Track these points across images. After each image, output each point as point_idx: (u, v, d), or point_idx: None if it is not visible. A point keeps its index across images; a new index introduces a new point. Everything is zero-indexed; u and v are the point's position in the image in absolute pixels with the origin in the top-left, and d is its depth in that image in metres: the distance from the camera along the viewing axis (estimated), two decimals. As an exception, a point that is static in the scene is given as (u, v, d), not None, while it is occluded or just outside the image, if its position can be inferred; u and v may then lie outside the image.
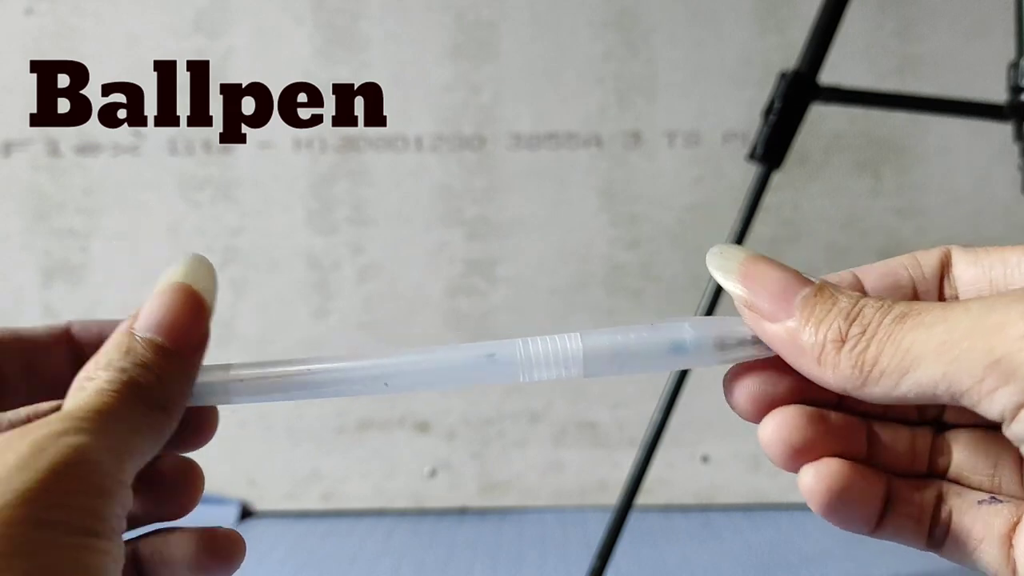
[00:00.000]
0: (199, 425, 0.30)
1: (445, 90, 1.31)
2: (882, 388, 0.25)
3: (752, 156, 0.92)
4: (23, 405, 0.29)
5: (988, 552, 0.27)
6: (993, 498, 0.27)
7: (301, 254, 1.32)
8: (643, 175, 1.31)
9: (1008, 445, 0.26)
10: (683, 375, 0.95)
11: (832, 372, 0.26)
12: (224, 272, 1.32)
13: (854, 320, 0.26)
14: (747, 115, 1.26)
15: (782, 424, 0.28)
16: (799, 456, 0.27)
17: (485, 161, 1.31)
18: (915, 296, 0.29)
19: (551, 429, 1.31)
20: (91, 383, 0.26)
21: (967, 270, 0.29)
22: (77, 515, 0.22)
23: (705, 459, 1.33)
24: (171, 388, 0.27)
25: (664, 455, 1.25)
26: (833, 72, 0.94)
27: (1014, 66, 0.90)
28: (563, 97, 1.30)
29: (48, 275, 1.32)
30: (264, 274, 1.32)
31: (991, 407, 0.24)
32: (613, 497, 1.00)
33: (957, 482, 0.28)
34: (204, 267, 0.29)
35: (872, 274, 0.29)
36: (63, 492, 0.22)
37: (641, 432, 0.99)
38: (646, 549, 1.18)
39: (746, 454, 1.33)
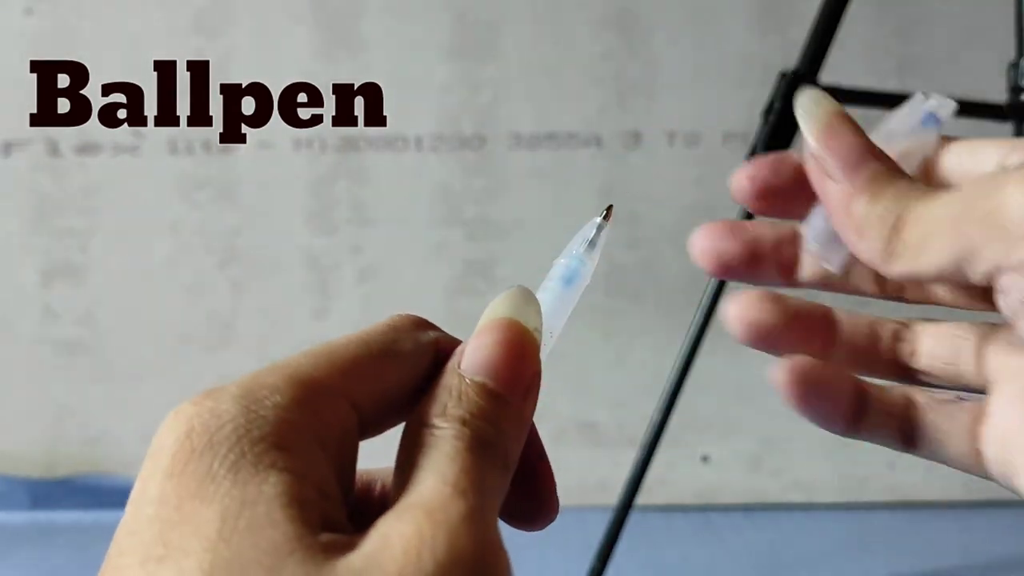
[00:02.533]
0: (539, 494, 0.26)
1: (445, 90, 1.31)
2: (905, 264, 0.26)
3: (752, 156, 0.92)
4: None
5: (957, 447, 0.28)
6: (958, 396, 0.28)
7: (301, 254, 1.32)
8: (643, 175, 1.31)
9: (968, 335, 0.29)
10: (683, 375, 0.95)
11: (866, 245, 0.27)
12: (224, 272, 1.32)
13: (901, 203, 0.27)
14: (747, 115, 1.26)
15: (745, 304, 0.31)
16: (761, 335, 0.30)
17: (485, 161, 1.31)
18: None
19: (551, 429, 1.31)
20: (438, 434, 0.23)
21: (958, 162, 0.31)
22: None
23: (705, 459, 1.33)
24: (510, 441, 0.24)
25: (664, 455, 1.25)
26: (833, 72, 0.94)
27: (1014, 66, 0.90)
28: (563, 97, 1.30)
29: (48, 275, 1.32)
30: (264, 274, 1.32)
31: (979, 267, 0.24)
32: (613, 497, 1.00)
33: (923, 380, 0.30)
34: (531, 301, 0.26)
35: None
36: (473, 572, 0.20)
37: (641, 432, 0.99)
38: (646, 549, 1.18)
39: (746, 454, 1.33)
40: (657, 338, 1.29)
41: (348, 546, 0.20)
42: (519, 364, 0.25)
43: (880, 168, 0.27)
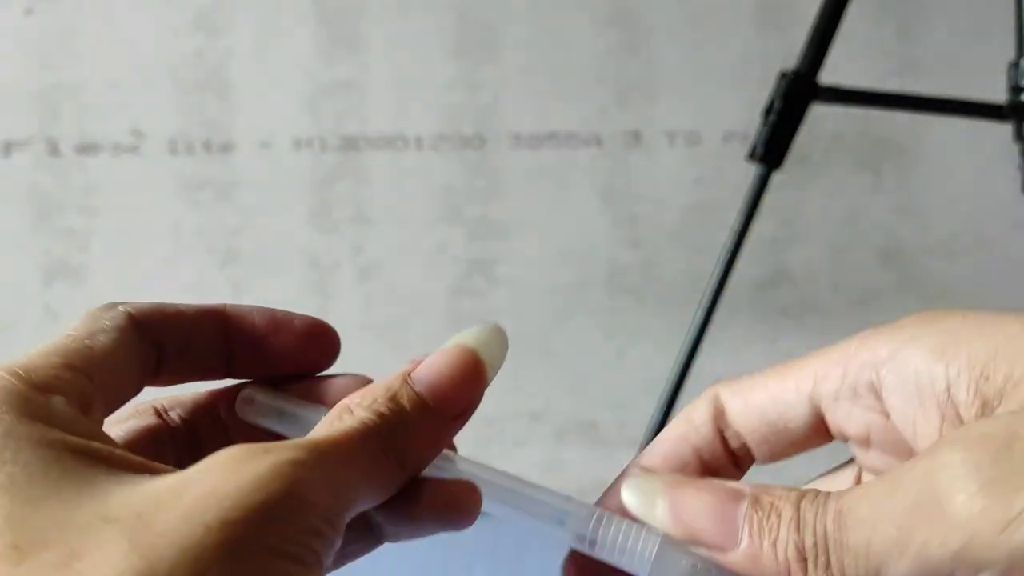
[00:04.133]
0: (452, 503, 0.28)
1: (445, 90, 1.31)
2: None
3: (752, 156, 0.92)
4: (176, 379, 0.29)
5: None
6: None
7: (301, 254, 1.32)
8: (643, 175, 1.31)
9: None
10: (683, 375, 0.95)
11: None
12: (224, 272, 1.32)
13: (802, 530, 0.25)
14: (747, 115, 1.26)
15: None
16: None
17: (485, 161, 1.31)
18: (702, 464, 0.29)
19: (551, 428, 1.31)
20: (346, 419, 0.25)
21: (739, 417, 0.29)
22: (291, 544, 0.22)
23: (705, 459, 1.33)
24: (415, 446, 0.26)
25: (664, 455, 1.25)
26: (833, 72, 0.94)
27: (1014, 66, 0.90)
28: (563, 97, 1.30)
29: (48, 275, 1.32)
30: (264, 274, 1.32)
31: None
32: (613, 497, 1.00)
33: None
34: (499, 341, 0.29)
35: (657, 460, 0.29)
36: (279, 519, 0.22)
37: (641, 432, 0.99)
38: (646, 549, 1.17)
39: (746, 454, 1.33)
40: (657, 338, 1.29)
41: (154, 471, 0.23)
42: (461, 391, 0.27)
43: (749, 508, 0.25)
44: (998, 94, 0.92)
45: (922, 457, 0.24)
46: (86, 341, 0.28)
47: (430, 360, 0.28)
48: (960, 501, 0.22)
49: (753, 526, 0.25)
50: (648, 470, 0.29)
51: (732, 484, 0.26)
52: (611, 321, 1.31)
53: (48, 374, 0.25)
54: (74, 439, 0.23)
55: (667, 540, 0.26)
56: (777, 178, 0.94)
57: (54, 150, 1.31)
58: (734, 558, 0.25)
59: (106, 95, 1.30)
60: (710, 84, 1.30)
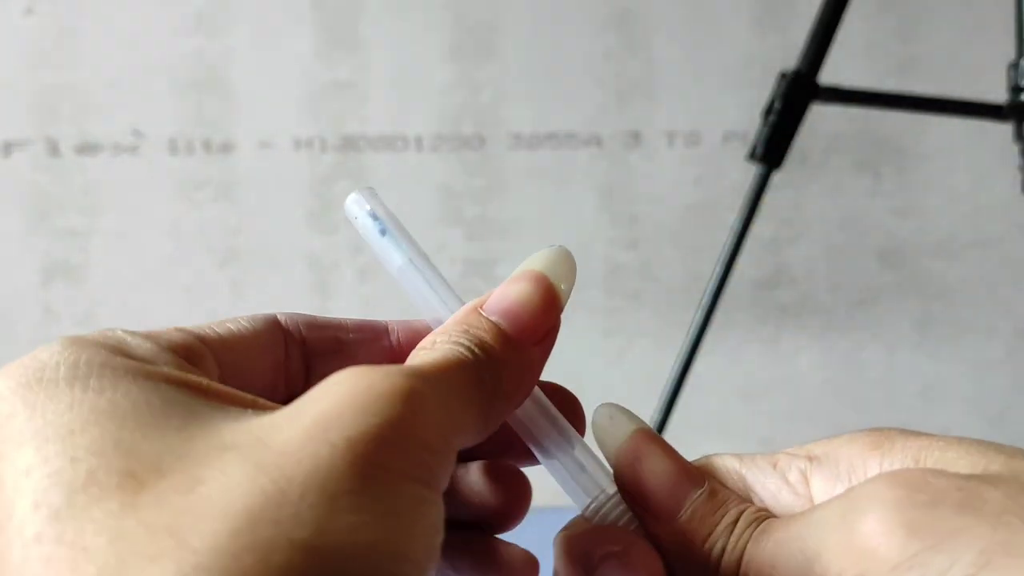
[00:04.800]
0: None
1: (445, 90, 1.31)
2: None
3: (752, 156, 0.92)
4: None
5: None
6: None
7: (301, 254, 1.32)
8: (643, 175, 1.31)
9: None
10: (683, 375, 0.95)
11: None
12: (224, 272, 1.32)
13: (733, 537, 0.25)
14: (747, 115, 1.26)
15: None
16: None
17: (485, 161, 1.31)
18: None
19: (551, 429, 1.31)
20: (433, 349, 0.25)
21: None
22: (414, 466, 0.21)
23: (705, 459, 1.33)
24: (504, 374, 0.25)
25: (664, 455, 1.25)
26: (833, 72, 0.94)
27: (1014, 66, 0.90)
28: (563, 97, 1.30)
29: (48, 275, 1.32)
30: (264, 274, 1.32)
31: None
32: (613, 497, 1.00)
33: None
34: (566, 262, 0.28)
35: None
36: (402, 439, 0.21)
37: (641, 432, 0.98)
38: (646, 549, 1.17)
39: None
40: (657, 338, 1.29)
41: (264, 407, 0.22)
42: (537, 315, 0.27)
43: (705, 494, 0.26)
44: (998, 94, 0.92)
45: (850, 489, 0.24)
46: (211, 324, 0.27)
47: (499, 290, 0.27)
48: (869, 530, 0.22)
49: (697, 512, 0.26)
50: (623, 409, 0.30)
51: (694, 465, 0.27)
52: (610, 321, 1.31)
53: (156, 332, 0.24)
54: (176, 372, 0.22)
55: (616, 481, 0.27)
56: (777, 178, 0.94)
57: (54, 150, 1.31)
58: (660, 528, 0.26)
59: (106, 95, 1.30)
60: (710, 84, 1.30)
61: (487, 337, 0.26)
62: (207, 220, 1.32)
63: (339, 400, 0.21)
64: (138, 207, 1.32)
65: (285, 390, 0.28)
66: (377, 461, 0.20)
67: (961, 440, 0.25)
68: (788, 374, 1.31)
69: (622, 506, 0.27)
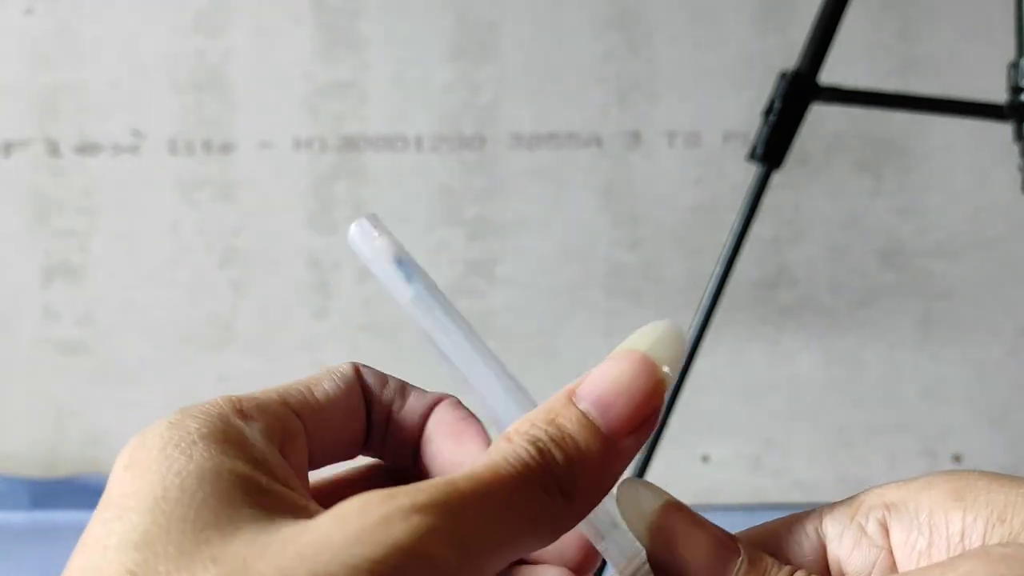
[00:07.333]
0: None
1: (445, 90, 1.31)
2: None
3: (752, 156, 0.92)
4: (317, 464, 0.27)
5: None
6: None
7: (301, 254, 1.32)
8: (643, 175, 1.30)
9: None
10: (683, 375, 0.95)
11: None
12: (224, 272, 1.32)
13: None
14: (747, 115, 1.26)
15: None
16: None
17: (485, 161, 1.31)
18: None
19: (551, 429, 1.31)
20: (503, 448, 0.22)
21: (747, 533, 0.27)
22: None
23: (705, 459, 1.33)
24: (583, 475, 0.23)
25: (664, 455, 1.25)
26: (833, 72, 0.94)
27: (1014, 66, 0.90)
28: (563, 97, 1.30)
29: (48, 275, 1.32)
30: (264, 274, 1.32)
31: None
32: (613, 497, 1.00)
33: None
34: (676, 342, 0.25)
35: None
36: (397, 571, 0.19)
37: (641, 432, 0.98)
38: (646, 549, 1.17)
39: (746, 454, 1.33)
40: (657, 338, 1.28)
41: (303, 513, 0.22)
42: (635, 404, 0.24)
43: (745, 564, 0.24)
44: (998, 94, 0.92)
45: (939, 564, 0.23)
46: (308, 384, 0.26)
47: (596, 371, 0.24)
48: None
49: None
50: (647, 483, 0.27)
51: (725, 533, 0.25)
52: (611, 321, 1.31)
53: (259, 403, 0.24)
54: (242, 466, 0.22)
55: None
56: (777, 178, 0.94)
57: (54, 150, 1.31)
58: None
59: (106, 95, 1.30)
60: (710, 84, 1.30)
61: (571, 428, 0.23)
62: (207, 220, 1.32)
63: (329, 530, 0.20)
64: (138, 207, 1.32)
65: (368, 439, 0.28)
66: None
67: None
68: (789, 374, 1.31)
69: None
